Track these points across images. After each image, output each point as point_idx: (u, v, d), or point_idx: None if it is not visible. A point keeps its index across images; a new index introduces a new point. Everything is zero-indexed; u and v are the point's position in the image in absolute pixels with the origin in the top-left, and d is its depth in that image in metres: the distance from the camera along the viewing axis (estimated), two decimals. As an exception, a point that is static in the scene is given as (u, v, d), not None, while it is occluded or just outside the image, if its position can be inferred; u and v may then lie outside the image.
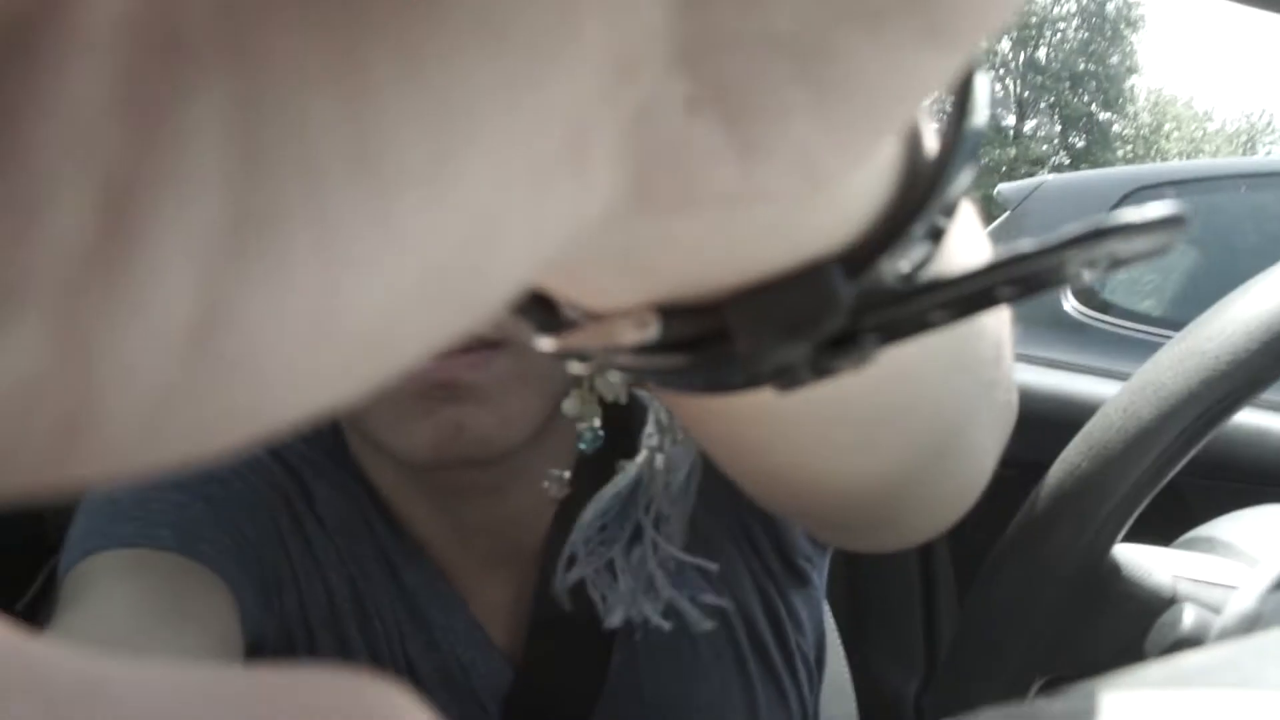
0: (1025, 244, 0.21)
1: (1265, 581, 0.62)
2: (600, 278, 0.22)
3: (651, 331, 0.23)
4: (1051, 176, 4.11)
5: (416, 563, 0.78)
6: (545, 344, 0.25)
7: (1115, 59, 31.56)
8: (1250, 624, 0.61)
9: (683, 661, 0.77)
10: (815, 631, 0.87)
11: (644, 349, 0.23)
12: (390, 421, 0.66)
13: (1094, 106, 31.60)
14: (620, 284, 0.23)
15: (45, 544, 1.16)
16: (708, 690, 0.77)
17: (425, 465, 0.68)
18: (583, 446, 0.62)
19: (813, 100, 0.16)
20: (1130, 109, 32.45)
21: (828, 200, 0.21)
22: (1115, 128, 32.09)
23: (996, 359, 0.35)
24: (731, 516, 0.78)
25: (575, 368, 0.27)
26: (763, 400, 0.27)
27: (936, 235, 0.23)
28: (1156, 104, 33.54)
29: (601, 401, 0.64)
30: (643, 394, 0.57)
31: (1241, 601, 0.62)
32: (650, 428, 0.57)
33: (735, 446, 0.35)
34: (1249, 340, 0.63)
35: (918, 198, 0.23)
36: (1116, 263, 0.22)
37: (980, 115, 0.22)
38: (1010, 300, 0.22)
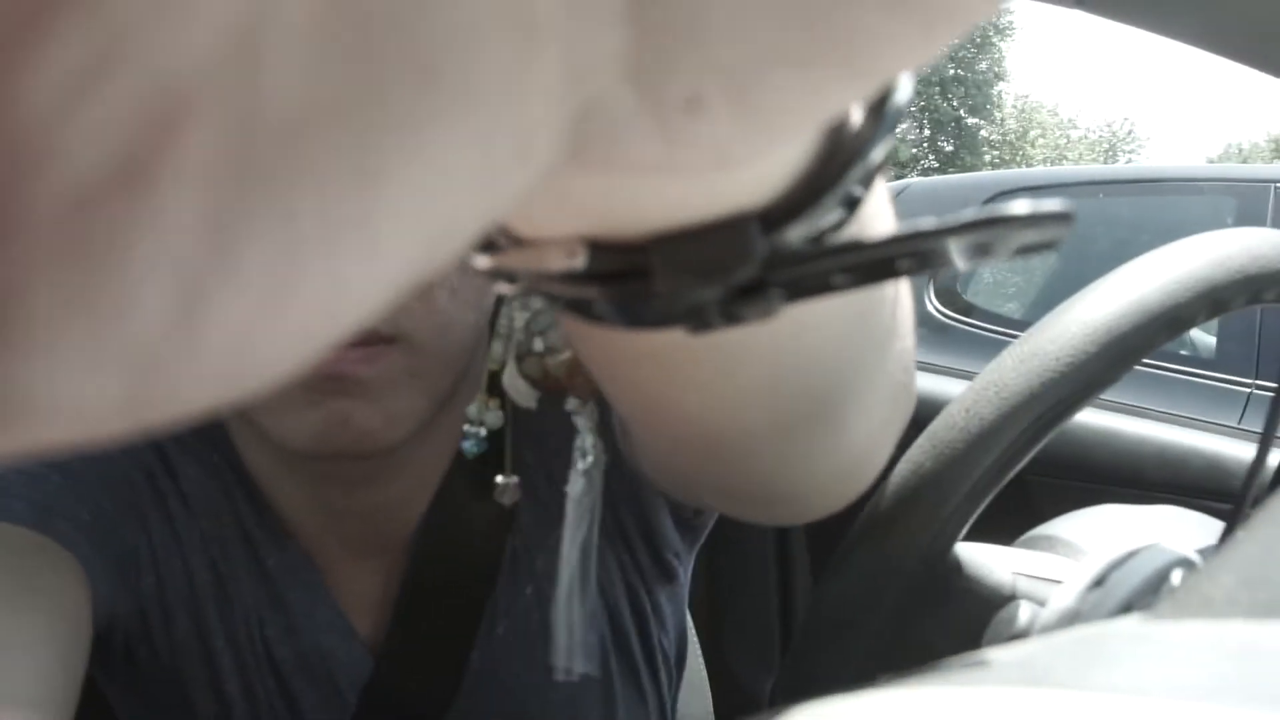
0: (926, 221, 0.23)
1: (1085, 579, 0.64)
2: (537, 212, 0.24)
3: (579, 261, 0.24)
4: (917, 179, 4.19)
5: (282, 547, 0.77)
6: (480, 261, 0.26)
7: (984, 65, 32.34)
8: (1069, 621, 0.63)
9: (542, 657, 0.76)
10: (677, 629, 0.88)
11: (570, 277, 0.25)
12: (277, 409, 0.66)
13: (962, 112, 32.34)
14: (554, 218, 0.25)
15: None
16: (566, 686, 0.76)
17: (307, 454, 0.67)
18: (466, 447, 0.61)
19: (735, 113, 0.18)
20: (997, 115, 33.30)
21: (750, 166, 0.23)
22: (983, 133, 32.90)
23: (893, 331, 0.38)
24: (606, 507, 0.78)
25: (503, 288, 0.28)
26: (674, 347, 0.31)
27: (850, 204, 0.25)
28: (1023, 110, 34.49)
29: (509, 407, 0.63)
30: (573, 404, 0.56)
31: (1062, 599, 0.64)
32: (588, 439, 0.56)
33: (648, 395, 0.37)
34: (1088, 343, 0.64)
35: (836, 167, 0.24)
36: (1007, 251, 0.24)
37: (902, 95, 0.24)
38: (908, 273, 0.25)
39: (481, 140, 0.15)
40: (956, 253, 0.24)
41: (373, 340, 0.64)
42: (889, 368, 0.39)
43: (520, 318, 0.58)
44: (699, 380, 0.34)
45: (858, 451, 0.44)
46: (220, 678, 0.75)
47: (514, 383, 0.58)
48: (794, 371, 0.34)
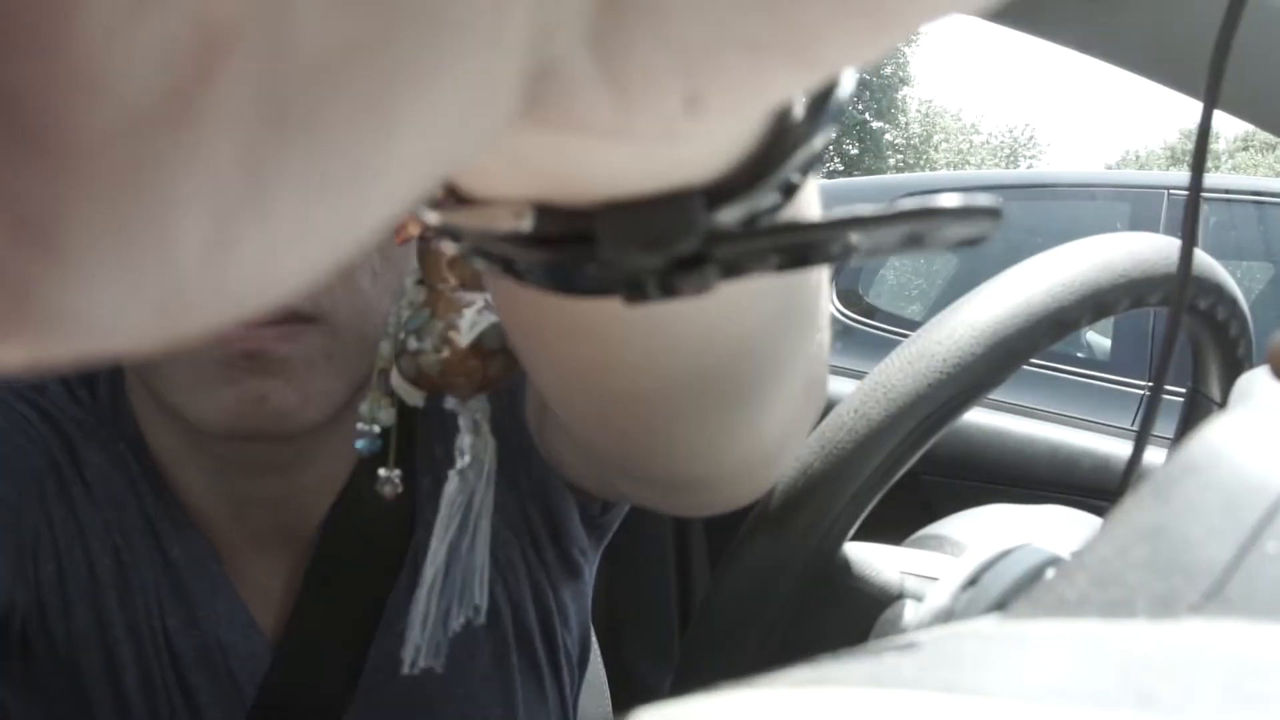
0: (861, 208, 0.24)
1: (959, 579, 0.64)
2: (489, 170, 0.25)
3: (526, 223, 0.25)
4: (822, 181, 4.22)
5: (185, 537, 0.76)
6: (430, 217, 0.27)
7: (889, 70, 32.75)
8: (943, 619, 0.63)
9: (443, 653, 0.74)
10: (580, 628, 0.88)
11: (514, 239, 0.26)
12: (190, 387, 0.65)
13: (867, 115, 32.70)
14: (505, 177, 0.25)
15: None
16: (466, 683, 0.77)
17: (220, 434, 0.67)
18: (360, 446, 0.60)
19: (685, 88, 0.18)
20: (902, 119, 33.72)
21: (697, 143, 0.24)
22: (887, 137, 33.29)
23: (814, 322, 0.39)
24: (513, 502, 0.78)
25: (446, 246, 0.30)
26: (607, 321, 0.32)
27: (788, 189, 0.26)
28: (927, 115, 34.97)
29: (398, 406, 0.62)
30: (452, 403, 0.55)
31: (936, 598, 0.64)
32: (466, 438, 0.56)
33: (576, 369, 0.38)
34: (974, 344, 0.65)
35: (779, 152, 0.25)
36: (938, 242, 0.25)
37: (845, 89, 0.25)
38: (840, 258, 0.26)
39: (469, 85, 0.16)
40: (889, 241, 0.25)
41: (292, 319, 0.63)
42: (807, 357, 0.41)
43: (405, 317, 0.57)
44: (628, 356, 0.35)
45: (771, 440, 0.45)
46: (119, 670, 0.74)
47: (400, 381, 0.58)
48: (720, 353, 0.35)
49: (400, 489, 0.60)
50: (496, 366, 0.51)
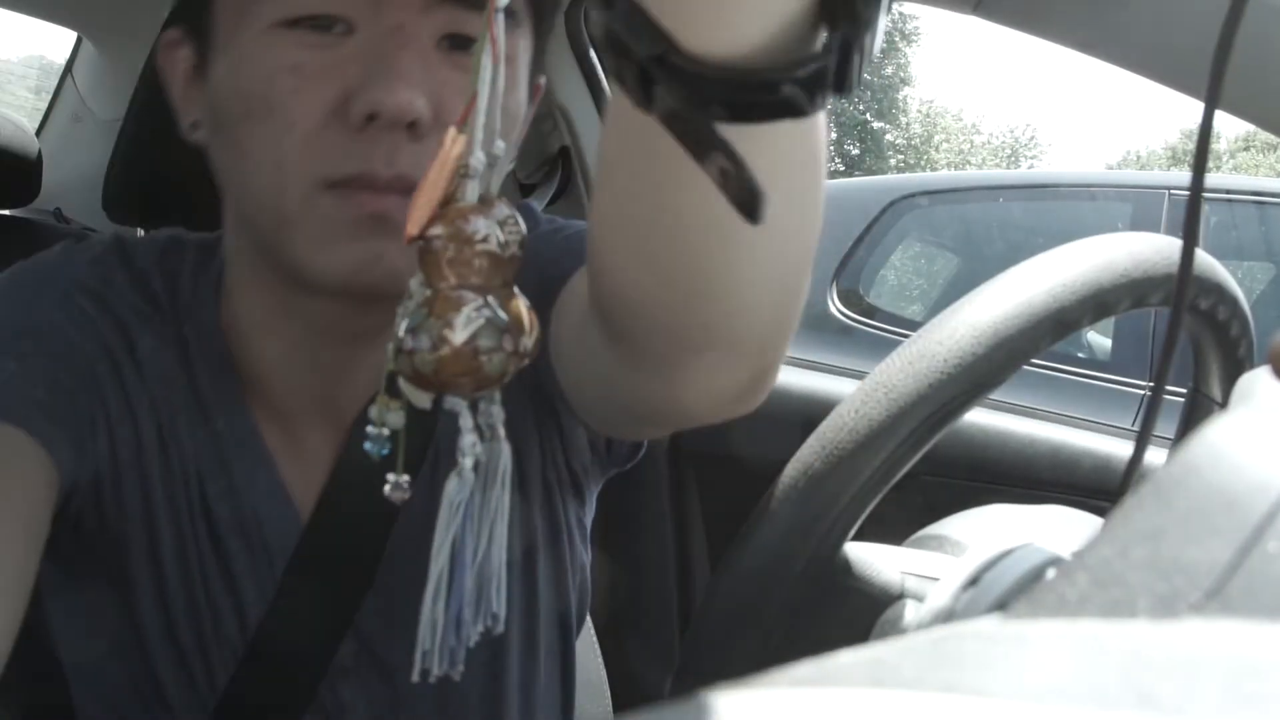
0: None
1: (959, 579, 0.64)
2: None
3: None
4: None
5: (233, 410, 0.82)
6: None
7: (890, 70, 32.72)
8: (943, 619, 0.63)
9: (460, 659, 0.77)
10: (580, 584, 0.94)
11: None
12: (318, 243, 0.71)
13: (868, 116, 32.67)
14: None
15: None
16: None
17: (337, 288, 0.72)
18: (369, 448, 0.60)
19: None
20: (903, 119, 33.69)
21: None
22: (888, 137, 33.26)
23: (821, 176, 0.53)
24: (527, 410, 0.84)
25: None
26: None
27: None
28: (928, 115, 34.93)
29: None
30: (453, 403, 0.55)
31: (937, 598, 0.64)
32: (468, 438, 0.56)
33: (657, 193, 0.50)
34: (975, 344, 0.65)
35: None
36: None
37: None
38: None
39: None
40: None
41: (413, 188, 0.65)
42: (816, 208, 0.54)
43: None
44: (699, 191, 0.41)
45: (780, 292, 0.56)
46: (157, 541, 0.79)
47: (405, 382, 0.57)
48: (771, 183, 0.38)
49: (409, 494, 0.60)
50: (494, 364, 0.51)
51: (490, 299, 0.51)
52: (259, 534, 0.81)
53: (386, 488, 0.60)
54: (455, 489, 0.56)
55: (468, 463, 0.55)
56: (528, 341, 0.51)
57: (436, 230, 0.50)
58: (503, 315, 0.51)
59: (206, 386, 0.81)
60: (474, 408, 0.55)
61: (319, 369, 0.81)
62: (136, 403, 0.79)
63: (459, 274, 0.51)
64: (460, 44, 0.72)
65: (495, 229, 0.52)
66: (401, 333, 0.50)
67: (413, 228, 0.49)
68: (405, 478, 0.61)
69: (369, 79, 0.68)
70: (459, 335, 0.49)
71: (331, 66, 0.69)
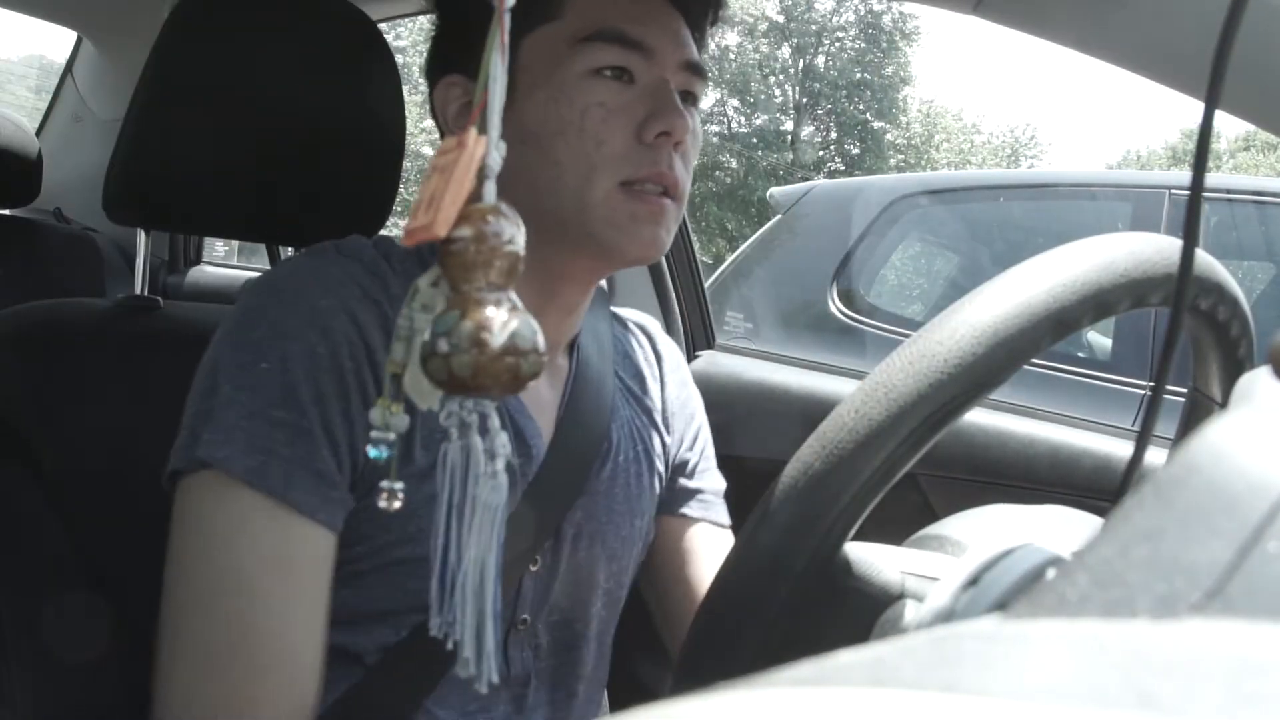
0: None
1: (959, 579, 0.64)
2: None
3: None
4: (822, 182, 4.22)
5: None
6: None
7: (890, 70, 32.69)
8: (943, 619, 0.63)
9: (631, 473, 1.17)
10: None
11: None
12: (617, 227, 1.00)
13: (869, 115, 32.64)
14: None
15: None
16: (640, 501, 1.19)
17: (623, 260, 1.03)
18: (373, 455, 0.61)
19: None
20: (903, 119, 33.64)
21: None
22: (889, 137, 33.21)
23: None
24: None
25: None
26: None
27: None
28: (928, 115, 34.86)
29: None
30: (483, 405, 0.56)
31: (936, 598, 0.64)
32: (498, 438, 0.57)
33: None
34: (976, 344, 0.65)
35: None
36: None
37: None
38: None
39: None
40: None
41: (673, 192, 1.02)
42: None
43: (421, 319, 0.57)
44: None
45: None
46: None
47: (416, 385, 0.57)
48: None
49: (401, 502, 0.60)
50: (529, 366, 0.51)
51: (514, 299, 0.52)
52: (521, 446, 1.05)
53: (381, 498, 0.61)
54: (491, 491, 0.56)
55: (500, 464, 0.56)
56: (544, 343, 0.52)
57: (464, 231, 0.50)
58: (530, 318, 0.51)
59: None
60: (498, 410, 0.56)
61: (552, 312, 1.08)
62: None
63: (485, 276, 0.51)
64: (688, 99, 1.06)
65: (516, 230, 0.52)
66: (429, 336, 0.50)
67: (442, 228, 0.49)
68: (400, 485, 0.61)
69: (659, 110, 1.00)
70: (498, 339, 0.50)
71: (626, 105, 1.00)
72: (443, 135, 1.04)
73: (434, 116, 1.09)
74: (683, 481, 1.27)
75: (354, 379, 0.93)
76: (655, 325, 1.36)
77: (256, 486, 0.88)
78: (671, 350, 1.34)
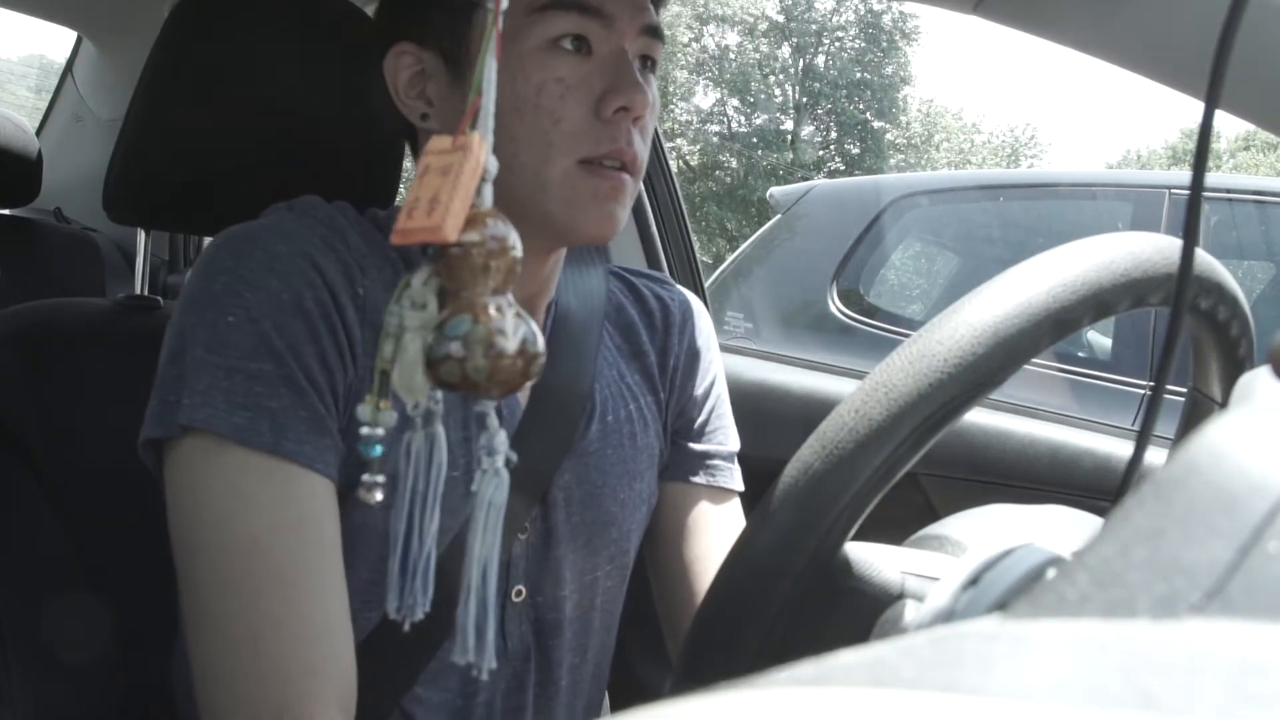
0: None
1: (959, 579, 0.64)
2: None
3: None
4: (822, 181, 4.23)
5: None
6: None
7: (890, 70, 32.69)
8: (943, 619, 0.63)
9: (624, 433, 1.16)
10: None
11: None
12: (574, 205, 0.98)
13: (869, 115, 32.63)
14: None
15: None
16: (636, 462, 1.17)
17: (581, 238, 1.01)
18: (362, 451, 0.61)
19: None
20: (903, 119, 33.63)
21: None
22: (889, 136, 33.21)
23: None
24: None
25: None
26: None
27: None
28: (928, 115, 34.85)
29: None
30: (482, 408, 0.57)
31: (936, 598, 0.64)
32: (497, 436, 0.58)
33: None
34: (976, 344, 0.65)
35: None
36: None
37: None
38: None
39: None
40: None
41: (633, 168, 0.99)
42: None
43: (411, 316, 0.57)
44: None
45: None
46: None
47: (409, 381, 0.57)
48: None
49: (382, 495, 0.61)
50: (536, 368, 0.52)
51: (513, 302, 0.52)
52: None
53: (361, 490, 0.61)
54: (494, 489, 0.57)
55: (499, 461, 0.56)
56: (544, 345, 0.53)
57: (471, 236, 0.51)
58: (532, 322, 0.52)
59: None
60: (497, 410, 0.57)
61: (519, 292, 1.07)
62: (366, 338, 0.95)
63: (490, 280, 0.51)
64: (648, 65, 1.03)
65: (513, 233, 0.52)
66: (436, 339, 0.51)
67: (452, 232, 0.49)
68: (381, 478, 0.61)
69: (618, 84, 0.97)
70: (512, 343, 0.50)
71: (583, 79, 0.97)
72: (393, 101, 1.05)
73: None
74: (691, 445, 1.23)
75: (323, 323, 0.91)
76: (668, 279, 1.32)
77: (249, 444, 0.86)
78: (688, 306, 1.29)
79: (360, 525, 0.94)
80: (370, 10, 1.28)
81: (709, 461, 1.23)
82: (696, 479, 1.22)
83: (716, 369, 1.28)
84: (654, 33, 1.03)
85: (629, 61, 0.99)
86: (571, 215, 0.98)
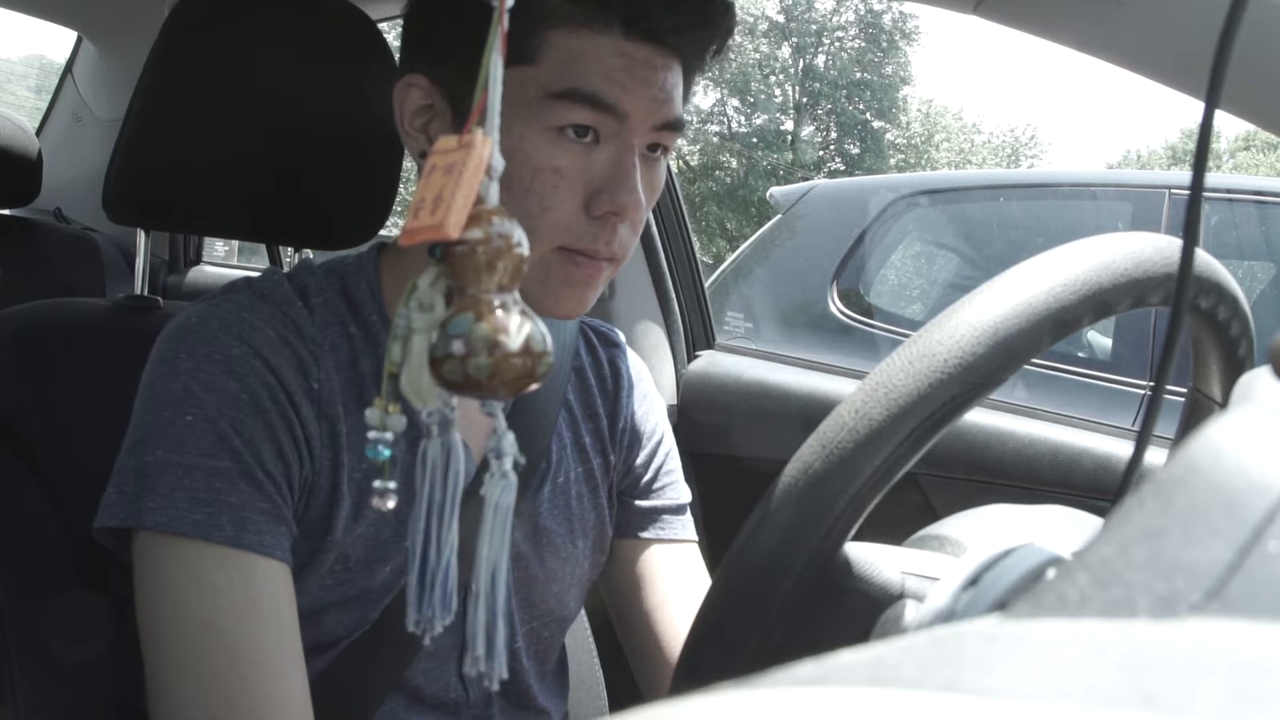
0: None
1: (959, 579, 0.64)
2: None
3: None
4: (821, 181, 4.23)
5: None
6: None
7: (889, 70, 32.68)
8: (943, 619, 0.63)
9: (572, 495, 1.16)
10: None
11: None
12: (546, 286, 0.96)
13: (868, 115, 32.63)
14: None
15: None
16: (582, 522, 1.17)
17: (550, 317, 0.99)
18: (369, 455, 0.61)
19: None
20: (903, 119, 33.64)
21: None
22: (889, 136, 33.21)
23: None
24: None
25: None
26: None
27: None
28: (928, 115, 34.86)
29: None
30: (489, 410, 0.56)
31: (936, 598, 0.64)
32: (505, 439, 0.57)
33: None
34: (976, 344, 0.65)
35: None
36: None
37: None
38: None
39: None
40: None
41: (610, 258, 0.98)
42: None
43: (419, 319, 0.57)
44: None
45: None
46: (341, 507, 0.99)
47: (416, 385, 0.57)
48: None
49: (395, 502, 0.61)
50: (542, 367, 0.51)
51: (520, 301, 0.52)
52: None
53: (374, 499, 0.61)
54: (501, 491, 0.57)
55: (507, 463, 0.56)
56: (552, 344, 0.52)
57: (474, 233, 0.50)
58: (539, 321, 0.51)
59: (370, 373, 1.02)
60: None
61: None
62: (327, 413, 0.98)
63: (494, 278, 0.51)
64: (656, 149, 1.00)
65: (520, 232, 0.52)
66: (439, 338, 0.50)
67: (454, 230, 0.49)
68: (392, 484, 0.61)
69: (613, 185, 0.94)
70: (515, 341, 0.50)
71: (582, 171, 0.94)
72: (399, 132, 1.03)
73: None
74: (639, 503, 1.24)
75: (280, 420, 0.94)
76: (619, 338, 1.31)
77: (210, 538, 0.88)
78: (632, 365, 1.29)
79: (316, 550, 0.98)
80: (370, 10, 1.28)
81: (659, 517, 1.24)
82: (645, 534, 1.24)
83: (664, 428, 1.29)
84: (672, 126, 0.99)
85: (632, 163, 0.95)
86: (541, 294, 0.96)
